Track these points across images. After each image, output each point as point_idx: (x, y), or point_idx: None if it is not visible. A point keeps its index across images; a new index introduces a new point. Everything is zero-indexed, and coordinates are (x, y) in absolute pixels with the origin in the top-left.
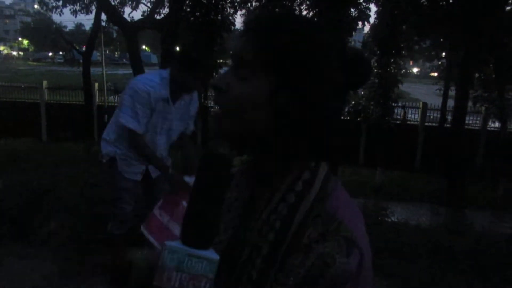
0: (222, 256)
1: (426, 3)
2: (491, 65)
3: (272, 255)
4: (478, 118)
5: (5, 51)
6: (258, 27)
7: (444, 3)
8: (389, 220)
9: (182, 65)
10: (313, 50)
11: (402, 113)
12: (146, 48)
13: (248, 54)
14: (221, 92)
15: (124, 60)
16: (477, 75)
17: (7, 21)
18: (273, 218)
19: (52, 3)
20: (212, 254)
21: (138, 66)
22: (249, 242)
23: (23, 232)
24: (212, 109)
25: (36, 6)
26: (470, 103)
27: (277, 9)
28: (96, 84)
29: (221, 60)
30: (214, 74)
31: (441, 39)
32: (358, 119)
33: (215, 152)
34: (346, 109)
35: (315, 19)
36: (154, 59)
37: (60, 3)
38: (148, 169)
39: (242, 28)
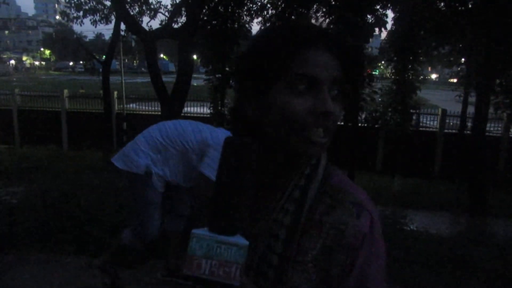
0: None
1: (444, 8)
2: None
3: (290, 238)
4: (500, 125)
5: (28, 61)
6: (342, 46)
7: (463, 8)
8: (408, 228)
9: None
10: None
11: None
12: (164, 57)
13: (339, 76)
14: (330, 116)
15: (143, 69)
16: (498, 81)
17: (30, 32)
18: (288, 204)
19: (73, 13)
20: (241, 240)
21: (156, 74)
22: (265, 233)
23: (44, 238)
24: (317, 139)
25: (57, 17)
26: (491, 110)
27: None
28: (115, 93)
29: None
30: (231, 81)
31: (460, 45)
32: (376, 125)
33: (239, 139)
34: (364, 116)
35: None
36: (172, 67)
37: (81, 13)
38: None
39: (320, 44)
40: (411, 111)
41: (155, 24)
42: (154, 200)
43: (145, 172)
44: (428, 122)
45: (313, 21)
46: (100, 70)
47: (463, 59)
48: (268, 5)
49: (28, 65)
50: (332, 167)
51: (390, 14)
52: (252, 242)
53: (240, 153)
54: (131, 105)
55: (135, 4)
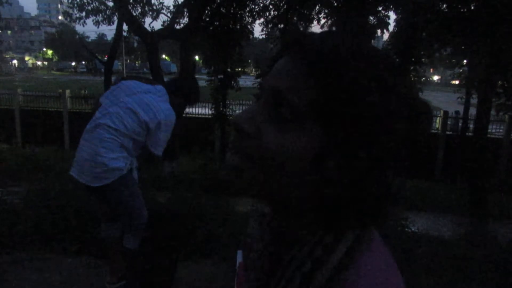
0: None
1: (446, 10)
2: None
3: None
4: (502, 127)
5: (30, 61)
6: (316, 54)
7: (465, 10)
8: (409, 230)
9: (180, 94)
10: (387, 99)
11: None
12: (166, 58)
13: (296, 92)
14: (247, 137)
15: (145, 69)
16: (500, 82)
17: (32, 32)
18: None
19: (75, 14)
20: None
21: (158, 75)
22: None
23: (45, 238)
24: (230, 154)
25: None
26: (493, 111)
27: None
28: None
29: (239, 69)
30: (233, 82)
31: (462, 47)
32: None
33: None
34: None
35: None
36: (174, 68)
37: (84, 14)
38: None
39: (282, 47)
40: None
41: (158, 25)
42: (139, 192)
43: (127, 171)
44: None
45: (314, 22)
46: (102, 70)
47: (465, 61)
48: (270, 6)
49: (30, 65)
50: (365, 245)
51: (392, 15)
52: None
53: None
54: None
55: (138, 5)
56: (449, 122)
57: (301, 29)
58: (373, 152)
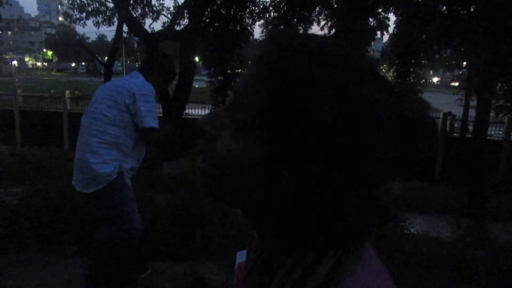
0: None
1: (446, 12)
2: None
3: None
4: (501, 129)
5: (30, 62)
6: (267, 57)
7: (465, 11)
8: (408, 232)
9: (156, 70)
10: (352, 110)
11: None
12: None
13: (249, 96)
14: (207, 138)
15: None
16: (499, 84)
17: (32, 33)
18: None
19: (76, 15)
20: None
21: None
22: None
23: (44, 239)
24: (199, 162)
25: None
26: (492, 113)
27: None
28: None
29: (239, 70)
30: (232, 83)
31: (462, 48)
32: None
33: None
34: None
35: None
36: None
37: (84, 15)
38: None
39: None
40: None
41: (158, 26)
42: (132, 196)
43: (117, 174)
44: None
45: (314, 24)
46: (102, 71)
47: (464, 63)
48: (270, 8)
49: (30, 66)
50: (351, 266)
51: (392, 17)
52: None
53: None
54: None
55: (138, 6)
56: (456, 125)
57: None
58: (328, 167)
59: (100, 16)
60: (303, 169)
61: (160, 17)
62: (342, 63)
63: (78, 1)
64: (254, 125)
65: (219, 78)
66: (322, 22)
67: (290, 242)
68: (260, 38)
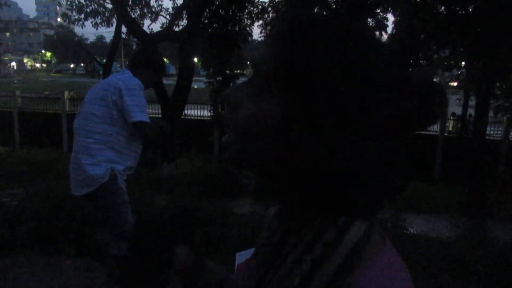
0: None
1: (445, 12)
2: None
3: None
4: (500, 128)
5: (29, 63)
6: (281, 30)
7: (463, 12)
8: (408, 232)
9: (145, 65)
10: (355, 66)
11: None
12: (165, 60)
13: (263, 62)
14: (232, 108)
15: None
16: (498, 84)
17: (31, 34)
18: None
19: (74, 16)
20: None
21: None
22: None
23: (43, 241)
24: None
25: (59, 20)
26: (491, 113)
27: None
28: None
29: (238, 71)
30: (231, 84)
31: (461, 49)
32: None
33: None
34: None
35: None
36: (173, 70)
37: (83, 16)
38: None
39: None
40: None
41: (156, 27)
42: (125, 198)
43: (109, 177)
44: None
45: None
46: (101, 72)
47: (463, 63)
48: (269, 9)
49: (29, 67)
50: (373, 246)
51: (390, 17)
52: None
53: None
54: None
55: (137, 7)
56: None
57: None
58: (337, 121)
59: (99, 17)
60: (314, 122)
61: (159, 18)
62: (343, 29)
63: (77, 2)
64: (272, 86)
65: (218, 78)
66: None
67: (308, 208)
68: (259, 39)
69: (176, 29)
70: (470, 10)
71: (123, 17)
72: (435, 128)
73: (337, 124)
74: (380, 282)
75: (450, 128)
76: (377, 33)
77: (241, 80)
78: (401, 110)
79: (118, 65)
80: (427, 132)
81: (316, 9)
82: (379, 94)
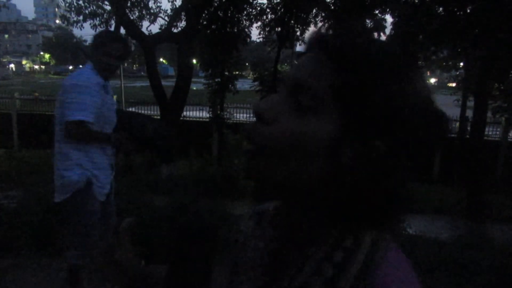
0: None
1: (443, 13)
2: (510, 74)
3: None
4: (498, 129)
5: (28, 65)
6: (339, 47)
7: (461, 12)
8: (406, 233)
9: (107, 50)
10: (404, 93)
11: None
12: (164, 61)
13: (317, 79)
14: (264, 122)
15: (142, 73)
16: (496, 85)
17: (30, 36)
18: None
19: (73, 18)
20: None
21: (155, 78)
22: None
23: (41, 242)
24: (245, 144)
25: (57, 21)
26: (489, 114)
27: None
28: (115, 97)
29: (237, 72)
30: (230, 85)
31: (459, 49)
32: None
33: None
34: None
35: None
36: (171, 71)
37: (81, 18)
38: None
39: (307, 46)
40: None
41: (155, 28)
42: (96, 209)
43: (84, 184)
44: None
45: (311, 25)
46: None
47: (461, 64)
48: (267, 10)
49: (27, 69)
50: (383, 250)
51: (389, 18)
52: None
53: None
54: (130, 109)
55: (135, 9)
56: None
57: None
58: (389, 143)
59: (98, 18)
60: (365, 144)
61: (158, 20)
62: (397, 54)
63: (75, 4)
64: (321, 105)
65: (216, 80)
66: (319, 24)
67: (330, 222)
68: (258, 41)
69: (175, 30)
70: (469, 11)
71: (122, 19)
72: None
73: (390, 145)
74: (399, 278)
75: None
76: (376, 34)
77: (240, 81)
78: (426, 133)
79: None
80: None
81: (314, 11)
82: (424, 118)
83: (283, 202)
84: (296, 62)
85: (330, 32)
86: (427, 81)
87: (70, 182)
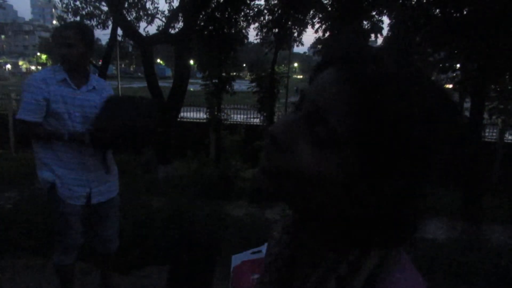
0: None
1: (439, 15)
2: (507, 76)
3: None
4: (495, 130)
5: (24, 66)
6: (367, 79)
7: (458, 14)
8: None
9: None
10: (433, 133)
11: None
12: (161, 62)
13: (338, 113)
14: (280, 148)
15: (139, 74)
16: (492, 86)
17: (27, 36)
18: None
19: (70, 18)
20: None
21: (152, 79)
22: None
23: (39, 243)
24: (264, 161)
25: (54, 22)
26: (485, 115)
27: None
28: None
29: (234, 73)
30: (227, 86)
31: (456, 51)
32: None
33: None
34: None
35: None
36: (168, 72)
37: (78, 18)
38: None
39: (327, 55)
40: None
41: (152, 29)
42: (63, 211)
43: (49, 185)
44: None
45: (309, 27)
46: (97, 74)
47: (458, 65)
48: (265, 11)
49: (24, 70)
50: (391, 264)
51: (386, 20)
52: None
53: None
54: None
55: (132, 10)
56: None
57: (353, 40)
58: (408, 181)
59: (95, 19)
60: (382, 183)
61: (155, 21)
62: (437, 93)
63: (72, 5)
64: (340, 141)
65: (214, 81)
66: (317, 25)
67: (340, 239)
68: (255, 42)
69: (172, 31)
70: (465, 12)
71: (119, 20)
72: None
73: (412, 181)
74: (410, 284)
75: None
76: (373, 35)
77: (237, 82)
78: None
79: (114, 67)
80: None
81: (312, 12)
82: (443, 151)
83: (298, 217)
84: (316, 79)
85: (352, 43)
86: None
87: (42, 181)
